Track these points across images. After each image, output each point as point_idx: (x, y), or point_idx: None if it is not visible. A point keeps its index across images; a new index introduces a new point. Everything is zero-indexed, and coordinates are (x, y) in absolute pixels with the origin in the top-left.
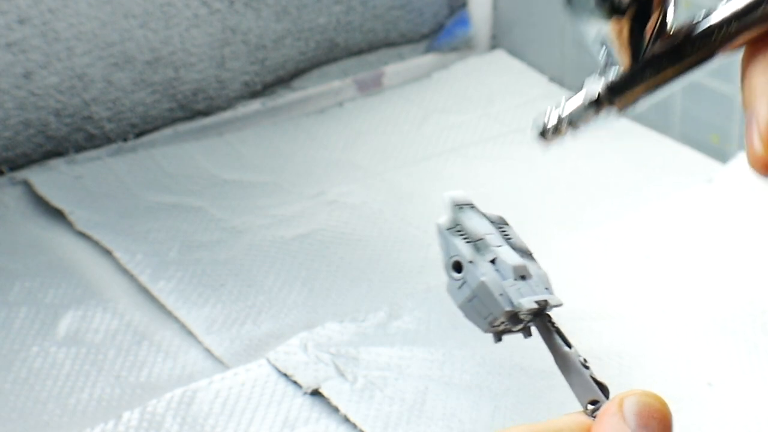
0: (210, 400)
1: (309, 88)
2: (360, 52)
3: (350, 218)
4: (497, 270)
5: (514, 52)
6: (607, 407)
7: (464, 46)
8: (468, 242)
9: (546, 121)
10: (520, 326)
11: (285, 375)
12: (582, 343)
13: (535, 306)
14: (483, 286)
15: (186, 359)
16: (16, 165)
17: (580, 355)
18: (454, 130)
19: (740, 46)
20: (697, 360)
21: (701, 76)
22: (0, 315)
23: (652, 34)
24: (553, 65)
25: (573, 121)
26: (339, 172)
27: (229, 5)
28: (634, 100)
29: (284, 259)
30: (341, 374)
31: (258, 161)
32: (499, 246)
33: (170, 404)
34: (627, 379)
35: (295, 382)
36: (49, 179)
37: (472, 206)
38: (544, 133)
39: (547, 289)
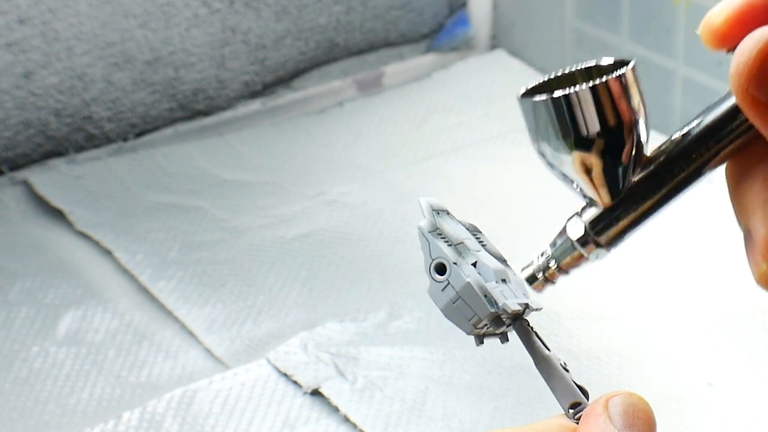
0: (210, 400)
1: (309, 88)
2: (360, 52)
3: (350, 218)
4: (479, 273)
5: (514, 52)
6: (592, 408)
7: (464, 46)
8: (449, 245)
9: (534, 271)
10: (503, 329)
11: (285, 375)
12: (582, 343)
13: (519, 308)
14: (468, 287)
15: (186, 359)
16: (16, 165)
17: (559, 359)
18: (454, 130)
19: (724, 160)
20: (697, 360)
21: (700, 75)
22: (0, 315)
23: (628, 164)
24: (553, 65)
25: (560, 266)
26: (339, 172)
27: (229, 5)
28: (622, 236)
29: (284, 259)
30: (341, 374)
31: (258, 161)
32: (479, 250)
33: (170, 404)
34: (627, 379)
35: (295, 382)
36: (49, 179)
37: (447, 212)
38: (532, 281)
39: (524, 294)
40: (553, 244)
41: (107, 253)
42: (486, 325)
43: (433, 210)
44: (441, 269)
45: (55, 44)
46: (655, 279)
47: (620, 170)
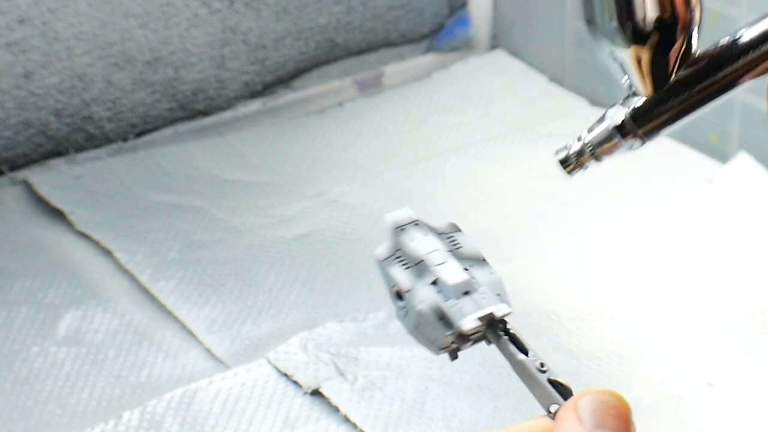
0: (210, 400)
1: (309, 88)
2: (360, 52)
3: (350, 218)
4: (440, 291)
5: (514, 52)
6: (563, 409)
7: (464, 46)
8: (407, 268)
9: (568, 152)
10: (471, 342)
11: (285, 375)
12: (582, 343)
13: (478, 323)
14: (420, 314)
15: (186, 359)
16: (16, 165)
17: (537, 359)
18: (454, 130)
19: (765, 72)
20: (697, 360)
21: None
22: (0, 315)
23: (676, 60)
24: (553, 65)
25: (595, 152)
26: (339, 172)
27: (229, 5)
28: (659, 128)
29: (284, 259)
30: (341, 374)
31: (258, 161)
32: (442, 263)
33: (170, 404)
34: (627, 379)
35: (295, 382)
36: (49, 179)
37: (416, 223)
38: (566, 164)
39: (499, 295)
40: (591, 130)
41: (107, 253)
42: (452, 342)
43: (399, 227)
44: (401, 296)
45: (55, 44)
46: (655, 279)
47: (668, 63)
